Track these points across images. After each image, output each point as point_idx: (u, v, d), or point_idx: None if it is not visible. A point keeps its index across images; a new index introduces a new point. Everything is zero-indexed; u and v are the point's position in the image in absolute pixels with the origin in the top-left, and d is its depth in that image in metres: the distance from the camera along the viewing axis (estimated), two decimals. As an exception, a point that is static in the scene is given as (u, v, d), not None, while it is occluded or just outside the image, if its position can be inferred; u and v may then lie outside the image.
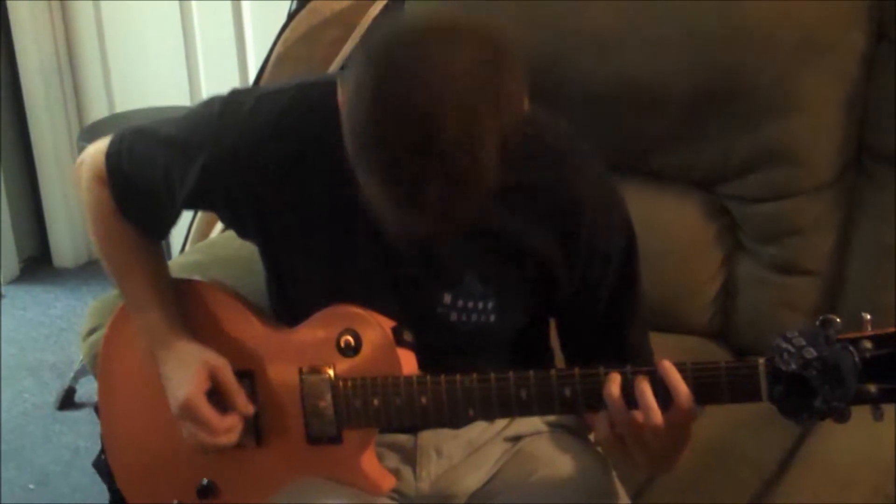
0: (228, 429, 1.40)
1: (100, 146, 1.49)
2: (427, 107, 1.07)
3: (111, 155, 1.47)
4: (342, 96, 1.17)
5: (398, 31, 1.14)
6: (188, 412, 1.39)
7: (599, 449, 1.46)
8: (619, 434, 1.24)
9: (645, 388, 1.21)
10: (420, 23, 1.16)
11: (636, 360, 1.40)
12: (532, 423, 1.48)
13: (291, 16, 2.41)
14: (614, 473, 1.44)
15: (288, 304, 1.46)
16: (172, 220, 1.51)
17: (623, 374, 1.24)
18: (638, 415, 1.22)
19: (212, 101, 1.41)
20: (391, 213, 1.15)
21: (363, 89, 1.10)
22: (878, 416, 1.16)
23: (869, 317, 1.14)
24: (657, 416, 1.21)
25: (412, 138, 1.07)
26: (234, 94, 1.41)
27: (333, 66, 2.24)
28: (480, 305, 1.36)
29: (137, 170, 1.45)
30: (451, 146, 1.07)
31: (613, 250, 1.37)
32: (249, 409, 1.41)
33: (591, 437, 1.49)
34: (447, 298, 1.36)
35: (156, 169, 1.42)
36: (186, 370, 1.40)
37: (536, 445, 1.46)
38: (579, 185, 1.35)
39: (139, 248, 1.50)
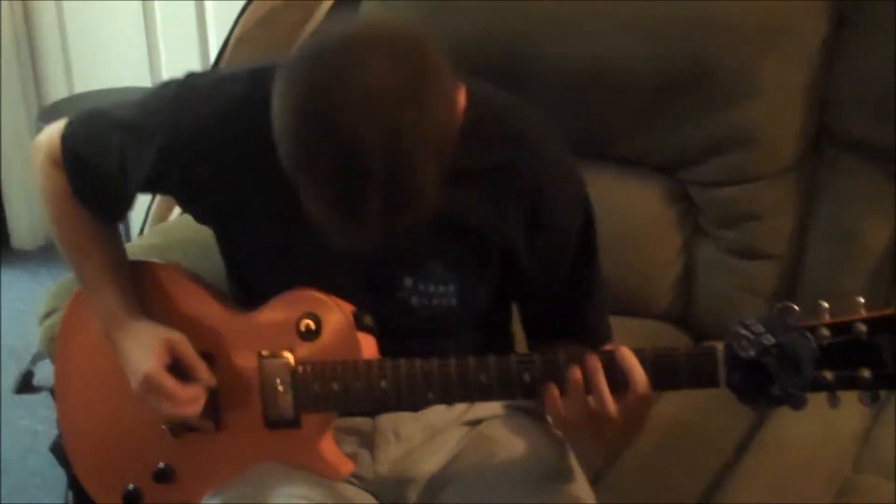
0: (192, 398, 1.38)
1: (56, 128, 1.48)
2: (349, 127, 1.08)
3: (66, 137, 1.45)
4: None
5: (313, 50, 1.14)
6: (149, 385, 1.37)
7: (557, 432, 1.47)
8: (573, 419, 1.25)
9: (599, 379, 1.22)
10: (334, 39, 1.14)
11: (594, 340, 1.41)
12: (490, 407, 1.48)
13: (252, -2, 2.39)
14: (572, 455, 1.45)
15: (245, 289, 1.45)
16: (127, 203, 1.49)
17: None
18: (592, 401, 1.23)
19: (168, 85, 1.41)
20: (334, 228, 1.16)
21: (286, 113, 1.12)
22: (835, 403, 1.17)
23: (827, 304, 1.15)
24: (611, 406, 1.21)
25: (339, 160, 1.09)
26: (191, 77, 1.41)
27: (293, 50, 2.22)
28: (442, 289, 1.36)
29: (92, 152, 1.43)
30: (381, 159, 1.08)
31: (572, 227, 1.38)
32: (212, 379, 1.39)
33: (550, 418, 1.50)
34: (408, 282, 1.36)
35: (111, 152, 1.41)
36: (144, 348, 1.39)
37: (495, 428, 1.46)
38: (539, 162, 1.35)
39: (94, 231, 1.48)
